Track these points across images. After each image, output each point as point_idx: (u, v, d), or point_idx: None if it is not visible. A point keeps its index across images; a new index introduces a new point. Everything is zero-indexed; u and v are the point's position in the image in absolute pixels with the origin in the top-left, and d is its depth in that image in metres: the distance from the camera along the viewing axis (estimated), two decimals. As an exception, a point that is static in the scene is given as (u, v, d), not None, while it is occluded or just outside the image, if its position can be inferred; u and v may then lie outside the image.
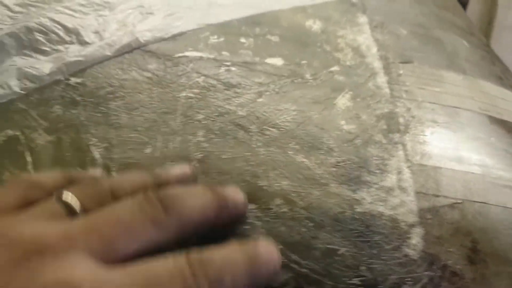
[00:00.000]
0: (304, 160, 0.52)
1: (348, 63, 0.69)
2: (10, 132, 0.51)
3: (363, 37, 0.79)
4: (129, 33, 0.68)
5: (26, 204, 0.33)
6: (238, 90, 0.59)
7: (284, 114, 0.57)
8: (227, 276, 0.29)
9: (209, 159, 0.50)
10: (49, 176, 0.37)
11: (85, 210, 0.30)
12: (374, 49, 0.76)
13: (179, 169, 0.43)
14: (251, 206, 0.46)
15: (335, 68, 0.67)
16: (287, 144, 0.53)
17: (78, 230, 0.27)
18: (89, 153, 0.50)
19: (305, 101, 0.60)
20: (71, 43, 0.66)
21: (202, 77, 0.60)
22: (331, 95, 0.62)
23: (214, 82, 0.60)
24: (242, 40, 0.69)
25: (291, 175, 0.50)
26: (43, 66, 0.60)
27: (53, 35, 0.65)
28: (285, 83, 0.62)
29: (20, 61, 0.61)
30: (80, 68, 0.61)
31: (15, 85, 0.56)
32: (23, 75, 0.57)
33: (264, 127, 0.55)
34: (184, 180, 0.41)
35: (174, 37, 0.69)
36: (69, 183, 0.35)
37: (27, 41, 0.64)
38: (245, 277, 0.31)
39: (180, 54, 0.64)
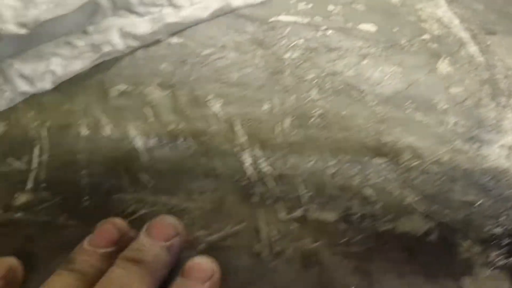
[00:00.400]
0: (423, 118, 0.51)
1: (436, 32, 0.68)
2: (122, 86, 0.50)
3: (442, 10, 0.77)
4: (219, -2, 0.66)
5: None
6: (341, 53, 0.58)
7: (391, 76, 0.56)
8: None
9: (329, 115, 0.49)
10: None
11: None
12: (457, 21, 0.74)
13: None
14: (381, 160, 0.45)
15: (426, 36, 0.66)
16: (403, 104, 0.52)
17: None
18: (208, 108, 0.48)
19: (408, 65, 0.59)
20: (163, 5, 0.65)
21: (302, 40, 0.59)
22: (430, 61, 0.61)
23: (315, 45, 0.59)
24: (331, 7, 0.68)
25: (415, 132, 0.49)
26: (144, 26, 0.58)
27: (145, -3, 0.63)
28: (384, 47, 0.60)
29: (118, 21, 0.59)
30: (178, 29, 0.59)
31: (119, 43, 0.55)
32: (125, 34, 0.56)
33: (376, 87, 0.53)
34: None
35: (262, 3, 0.68)
36: None
37: (120, 3, 0.62)
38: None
39: (274, 19, 0.63)
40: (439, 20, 0.75)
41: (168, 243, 0.35)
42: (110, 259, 0.33)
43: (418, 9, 0.77)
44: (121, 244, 0.35)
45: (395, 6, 0.76)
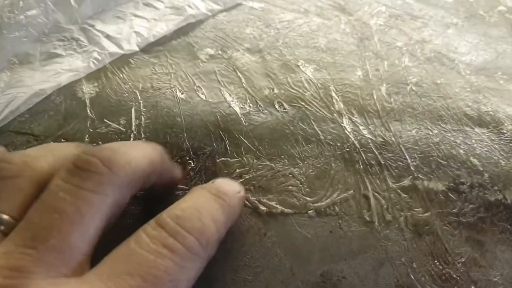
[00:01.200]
0: (518, 89, 0.48)
1: (510, 4, 0.66)
2: (210, 51, 0.48)
3: (509, -18, 0.75)
4: (293, -37, 0.64)
5: None
6: (425, 21, 0.56)
7: (478, 46, 0.54)
8: (204, 219, 0.26)
9: (424, 83, 0.47)
10: None
11: (13, 217, 0.23)
12: (527, -7, 0.72)
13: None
14: (483, 130, 0.43)
15: (501, 7, 0.64)
16: (495, 74, 0.50)
17: (24, 253, 0.20)
18: (301, 73, 0.46)
19: (493, 35, 0.57)
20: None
21: (384, 7, 0.57)
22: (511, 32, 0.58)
23: (398, 12, 0.57)
24: (403, -24, 0.66)
25: (511, 103, 0.46)
26: (224, -11, 0.56)
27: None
28: (466, 17, 0.59)
29: (196, -16, 0.57)
30: (257, -6, 0.57)
31: (201, 6, 0.53)
32: (206, -3, 0.54)
33: (466, 57, 0.52)
34: None
35: (336, -31, 0.65)
36: None
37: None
38: (220, 211, 0.29)
39: (352, -15, 0.61)
40: (510, -8, 0.73)
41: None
42: None
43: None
44: None
45: (465, -24, 0.74)
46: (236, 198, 0.32)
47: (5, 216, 0.22)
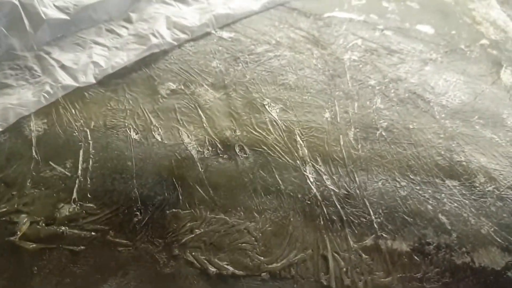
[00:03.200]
0: (493, 136, 0.46)
1: (493, 37, 0.64)
2: (172, 85, 0.45)
3: (495, 12, 0.73)
4: (269, -12, 0.61)
5: None
6: (402, 56, 0.53)
7: (456, 85, 0.52)
8: None
9: (395, 128, 0.44)
10: None
11: None
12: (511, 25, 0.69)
13: None
14: (454, 182, 0.40)
15: (484, 41, 0.62)
16: (471, 118, 0.47)
17: None
18: (266, 113, 0.43)
19: (472, 73, 0.55)
20: (210, -6, 0.59)
21: (360, 40, 0.54)
22: (492, 69, 0.56)
23: (374, 45, 0.54)
24: (384, 4, 0.64)
25: (486, 152, 0.44)
26: (192, 16, 0.53)
27: (191, -16, 0.58)
28: (445, 52, 0.56)
29: (163, 9, 0.54)
30: (229, 22, 0.54)
31: (167, 35, 0.50)
32: (172, 24, 0.51)
33: (442, 97, 0.49)
34: None
35: (314, -4, 0.62)
36: None
37: (165, -11, 0.56)
38: None
39: (329, 14, 0.59)
40: (494, 23, 0.71)
41: None
42: None
43: (471, 9, 0.73)
44: None
45: (449, 4, 0.72)
46: None
47: None
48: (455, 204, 0.44)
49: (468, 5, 0.75)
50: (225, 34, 0.54)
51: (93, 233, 0.40)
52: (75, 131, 0.44)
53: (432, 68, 0.56)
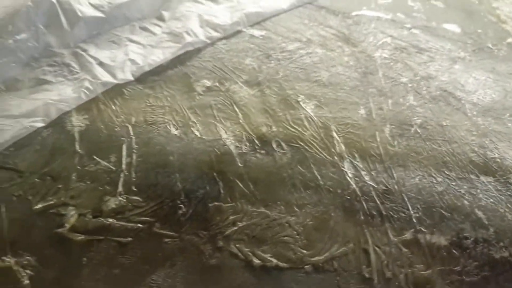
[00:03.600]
0: (526, 133, 0.46)
1: (519, 35, 0.63)
2: (207, 82, 0.46)
3: (518, 11, 0.73)
4: (297, -13, 0.62)
5: None
6: (431, 55, 0.54)
7: (486, 83, 0.52)
8: None
9: (429, 125, 0.45)
10: None
11: None
12: (536, 24, 0.70)
13: None
14: (489, 179, 0.41)
15: (510, 40, 0.62)
16: (503, 116, 0.48)
17: None
18: (301, 109, 0.44)
19: (501, 71, 0.55)
20: (240, -7, 0.60)
21: (389, 38, 0.55)
22: (521, 68, 0.56)
23: (404, 43, 0.55)
24: (410, 3, 0.65)
25: (520, 148, 0.44)
26: (223, 14, 0.54)
27: (221, -17, 0.58)
28: (473, 51, 0.57)
29: (194, 7, 0.55)
30: (259, 20, 0.54)
31: (200, 33, 0.51)
32: (205, 23, 0.52)
33: (472, 95, 0.49)
34: None
35: (341, -5, 0.63)
36: None
37: (196, -12, 0.57)
38: None
39: (357, 13, 0.59)
40: (519, 22, 0.71)
41: None
42: None
43: (495, 7, 0.74)
44: None
45: (473, 3, 0.73)
46: None
47: None
48: (491, 200, 0.44)
49: (492, 4, 0.76)
50: (256, 32, 0.55)
51: (139, 225, 0.40)
52: (117, 127, 0.44)
53: (461, 66, 0.57)
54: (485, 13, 0.69)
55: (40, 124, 0.44)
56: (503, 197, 0.43)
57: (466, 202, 0.42)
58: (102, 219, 0.41)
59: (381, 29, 0.57)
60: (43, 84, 0.48)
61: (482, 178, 0.44)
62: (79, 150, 0.43)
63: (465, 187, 0.44)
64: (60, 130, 0.44)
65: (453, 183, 0.43)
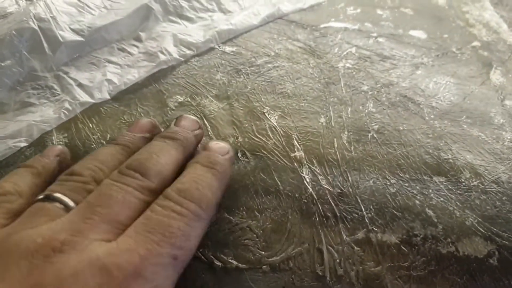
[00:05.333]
0: (480, 134, 0.50)
1: (485, 38, 0.67)
2: (180, 98, 0.50)
3: (488, 13, 0.76)
4: (268, 2, 0.66)
5: (13, 216, 0.32)
6: (394, 62, 0.57)
7: (446, 87, 0.55)
8: (201, 188, 0.35)
9: (386, 130, 0.48)
10: (20, 181, 0.36)
11: (76, 202, 0.32)
12: (504, 26, 0.74)
13: (146, 123, 0.45)
14: (441, 179, 0.45)
15: (476, 43, 0.65)
16: (459, 118, 0.51)
17: (83, 222, 0.29)
18: (266, 120, 0.48)
19: (461, 74, 0.58)
20: (213, 11, 0.65)
21: (354, 48, 0.59)
22: (483, 70, 0.60)
23: (368, 53, 0.58)
24: (379, 11, 0.68)
25: (472, 149, 0.48)
26: (196, 33, 0.58)
27: (195, 2, 0.64)
28: (436, 56, 0.60)
29: (170, 27, 0.59)
30: (231, 37, 0.59)
31: (174, 52, 0.55)
32: (179, 42, 0.56)
33: (431, 99, 0.53)
34: (152, 131, 0.43)
35: (311, 7, 0.67)
36: (42, 182, 0.37)
37: (172, 7, 0.62)
38: (213, 179, 0.38)
39: (325, 25, 0.63)
40: (487, 25, 0.74)
41: (195, 132, 0.44)
42: (147, 142, 0.40)
43: (465, 11, 0.76)
44: (155, 133, 0.42)
45: (442, 9, 0.76)
46: (226, 161, 0.40)
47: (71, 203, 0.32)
48: (442, 199, 0.48)
49: (462, 8, 0.79)
50: (227, 48, 0.59)
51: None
52: (93, 144, 0.49)
53: (423, 72, 0.60)
54: (454, 18, 0.72)
55: (24, 144, 0.49)
56: (453, 196, 0.47)
57: (417, 202, 0.46)
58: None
59: (347, 40, 0.61)
60: (28, 107, 0.53)
61: (435, 178, 0.48)
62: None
63: (417, 187, 0.47)
64: (41, 149, 0.48)
65: (406, 184, 0.47)
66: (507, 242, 0.42)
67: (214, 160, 0.38)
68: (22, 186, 0.35)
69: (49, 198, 0.31)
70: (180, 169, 0.38)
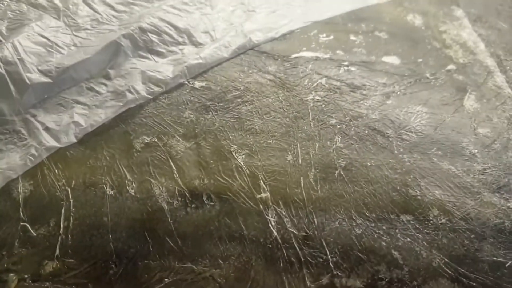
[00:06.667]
0: (450, 167, 0.50)
1: (461, 60, 0.67)
2: (146, 138, 0.50)
3: (466, 32, 0.76)
4: (240, 33, 0.66)
5: None
6: (364, 92, 0.57)
7: (417, 117, 0.55)
8: None
9: (354, 166, 0.48)
10: None
11: None
12: (482, 45, 0.73)
13: None
14: (409, 217, 0.44)
15: (451, 66, 0.65)
16: (430, 150, 0.51)
17: None
18: (232, 159, 0.48)
19: (434, 102, 0.58)
20: (184, 44, 0.64)
21: (324, 79, 0.58)
22: (456, 96, 0.59)
23: (338, 83, 0.58)
24: (352, 37, 0.67)
25: (442, 184, 0.48)
26: (166, 69, 0.58)
27: (166, 35, 0.63)
28: (409, 83, 0.59)
29: (139, 64, 0.59)
30: (201, 71, 0.58)
31: (142, 90, 0.55)
32: (147, 79, 0.56)
33: (401, 131, 0.52)
34: None
35: (284, 36, 0.67)
36: None
37: (141, 42, 0.62)
38: None
39: (296, 55, 0.63)
40: (464, 45, 0.74)
41: None
42: None
43: (442, 31, 0.76)
44: None
45: (419, 30, 0.75)
46: None
47: None
48: (408, 239, 0.47)
49: (440, 28, 0.79)
50: (197, 83, 0.59)
51: (73, 287, 0.44)
52: (58, 191, 0.49)
53: (394, 101, 0.60)
54: (430, 39, 0.71)
55: (-12, 195, 0.49)
56: (420, 235, 0.47)
57: (383, 243, 0.46)
58: (40, 283, 0.45)
59: (318, 70, 0.60)
60: (-5, 153, 0.53)
61: (402, 217, 0.48)
62: (22, 217, 0.47)
63: (384, 227, 0.47)
64: (6, 197, 0.48)
65: (372, 225, 0.46)
66: (474, 284, 0.42)
67: None
68: None
69: None
70: None
